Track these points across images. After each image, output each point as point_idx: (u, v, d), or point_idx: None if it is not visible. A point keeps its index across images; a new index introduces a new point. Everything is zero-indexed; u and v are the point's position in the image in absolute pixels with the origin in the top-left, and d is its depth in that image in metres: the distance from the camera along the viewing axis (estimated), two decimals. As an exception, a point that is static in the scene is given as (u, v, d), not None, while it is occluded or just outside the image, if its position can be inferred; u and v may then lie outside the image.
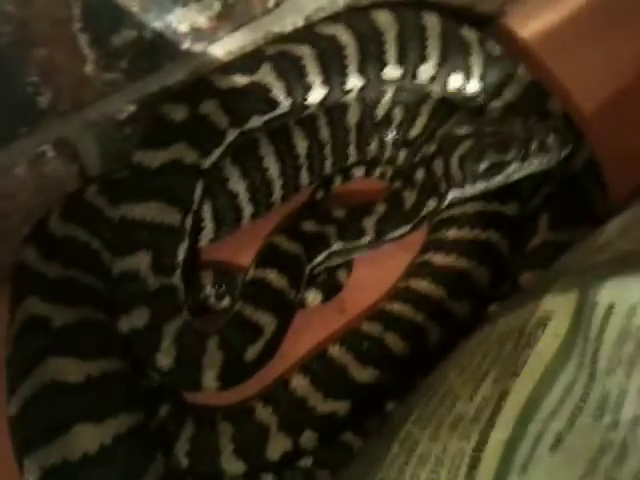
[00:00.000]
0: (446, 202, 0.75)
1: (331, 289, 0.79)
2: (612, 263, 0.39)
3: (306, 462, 0.68)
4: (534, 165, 0.72)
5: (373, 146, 0.84)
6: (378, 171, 0.85)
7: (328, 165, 0.83)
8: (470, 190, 0.74)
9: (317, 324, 0.78)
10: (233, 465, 0.66)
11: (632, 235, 0.41)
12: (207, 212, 0.76)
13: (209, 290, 0.76)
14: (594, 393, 0.35)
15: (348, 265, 0.80)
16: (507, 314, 0.46)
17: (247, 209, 0.79)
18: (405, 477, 0.42)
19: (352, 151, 0.84)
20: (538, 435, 0.35)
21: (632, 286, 0.37)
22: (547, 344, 0.39)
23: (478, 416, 0.39)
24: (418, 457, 0.42)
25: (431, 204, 0.74)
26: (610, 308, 0.37)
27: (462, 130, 0.74)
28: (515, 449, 0.36)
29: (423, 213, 0.75)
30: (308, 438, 0.67)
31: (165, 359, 0.66)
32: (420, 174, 0.74)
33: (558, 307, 0.41)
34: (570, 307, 0.40)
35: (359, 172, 0.85)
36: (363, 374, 0.69)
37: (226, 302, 0.77)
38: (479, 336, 0.48)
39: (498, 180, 0.73)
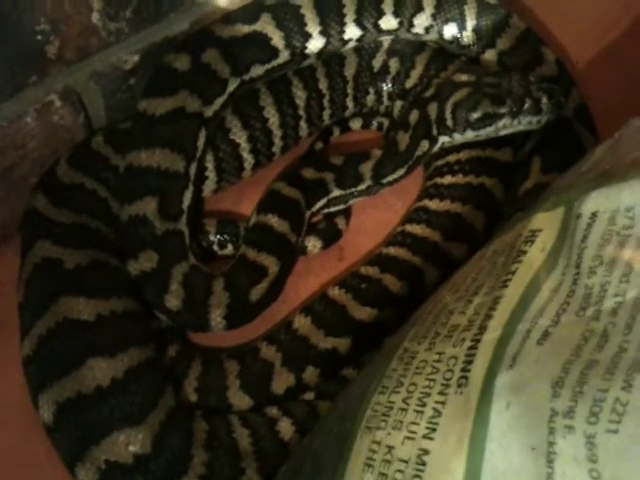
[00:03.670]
0: (437, 146, 0.77)
1: (331, 236, 0.81)
2: (595, 179, 0.42)
3: (309, 396, 0.71)
4: (524, 124, 0.73)
5: (370, 97, 0.87)
6: (375, 122, 0.87)
7: (326, 116, 0.85)
8: (459, 137, 0.75)
9: (318, 270, 0.80)
10: (240, 400, 0.69)
11: (614, 154, 0.44)
12: (210, 162, 0.79)
13: (213, 238, 0.79)
14: (578, 291, 0.38)
15: (347, 213, 0.82)
16: (500, 235, 0.49)
17: (248, 159, 0.81)
18: (404, 387, 0.44)
19: (349, 102, 0.86)
20: (526, 332, 0.38)
21: (612, 195, 0.39)
22: (535, 255, 0.42)
23: (471, 324, 0.42)
24: (415, 368, 0.45)
25: (424, 145, 0.76)
26: (593, 216, 0.40)
27: (462, 77, 0.75)
28: (505, 346, 0.38)
29: (417, 153, 0.76)
30: (310, 374, 0.70)
31: (174, 300, 0.69)
32: (414, 115, 0.76)
33: (546, 223, 0.43)
34: (557, 222, 0.43)
35: (357, 124, 0.88)
36: (362, 313, 0.72)
37: (229, 249, 0.79)
38: (473, 260, 0.51)
39: (487, 132, 0.74)
